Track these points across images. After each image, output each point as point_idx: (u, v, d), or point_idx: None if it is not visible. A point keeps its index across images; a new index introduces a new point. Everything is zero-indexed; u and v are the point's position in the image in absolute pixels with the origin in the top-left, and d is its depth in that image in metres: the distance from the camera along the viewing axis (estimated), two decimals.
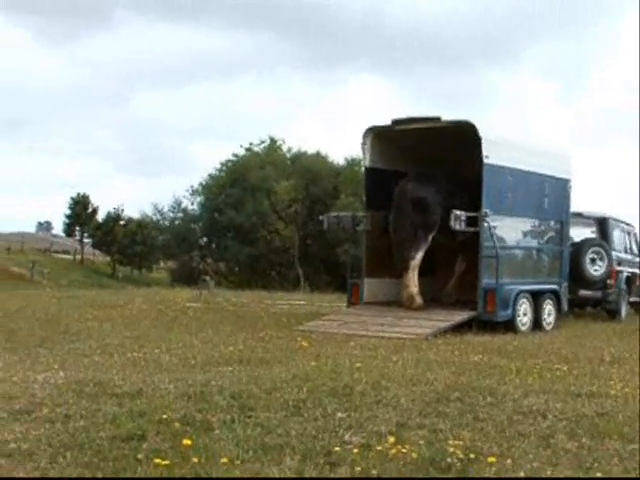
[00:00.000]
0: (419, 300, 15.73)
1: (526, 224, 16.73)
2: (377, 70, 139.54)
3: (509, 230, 16.01)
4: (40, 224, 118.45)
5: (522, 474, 5.31)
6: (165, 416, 6.57)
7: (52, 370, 9.00)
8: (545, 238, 17.30)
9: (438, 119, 15.72)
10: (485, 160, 14.99)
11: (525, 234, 16.75)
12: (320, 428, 6.41)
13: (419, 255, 15.73)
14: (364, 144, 16.72)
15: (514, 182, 15.86)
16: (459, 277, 17.10)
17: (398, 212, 15.96)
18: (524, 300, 15.68)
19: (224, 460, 5.38)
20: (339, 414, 6.88)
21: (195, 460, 5.37)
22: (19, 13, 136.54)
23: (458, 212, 14.87)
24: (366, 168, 17.22)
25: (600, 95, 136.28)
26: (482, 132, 14.96)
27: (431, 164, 16.52)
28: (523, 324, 15.59)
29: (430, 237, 15.82)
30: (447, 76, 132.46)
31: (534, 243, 17.05)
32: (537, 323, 15.99)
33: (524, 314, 15.66)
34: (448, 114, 15.82)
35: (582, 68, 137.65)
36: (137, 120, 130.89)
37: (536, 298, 16.06)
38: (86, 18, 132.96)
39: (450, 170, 16.30)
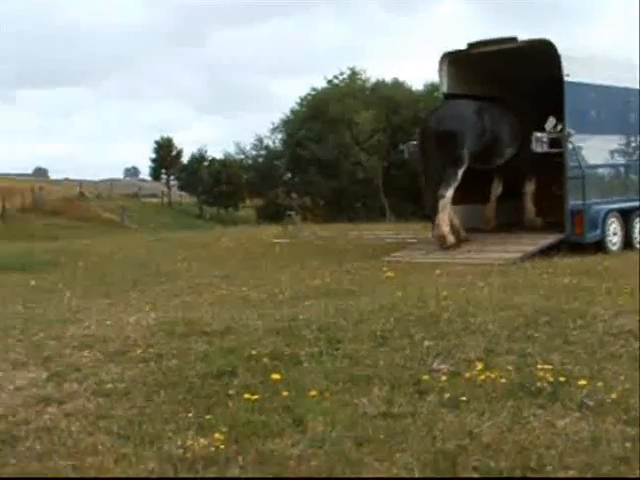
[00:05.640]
0: (451, 239, 15.14)
1: (612, 141, 16.28)
2: None
3: (594, 149, 15.62)
4: (127, 170, 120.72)
5: (614, 396, 5.24)
6: (254, 352, 6.67)
7: (144, 312, 9.21)
8: (632, 154, 16.83)
9: (514, 39, 15.31)
10: (566, 78, 14.59)
11: (611, 151, 16.31)
12: (408, 357, 6.42)
13: (449, 193, 14.97)
14: (441, 70, 16.42)
15: (597, 98, 15.43)
16: (495, 201, 16.62)
17: (423, 149, 15.46)
18: (613, 219, 15.37)
19: (313, 393, 5.46)
20: (426, 342, 6.87)
21: (285, 394, 5.46)
22: None
23: (539, 134, 14.57)
24: (444, 94, 16.90)
25: None
26: (561, 49, 14.53)
27: (509, 87, 16.16)
28: (613, 244, 15.30)
29: (460, 173, 15.01)
30: None
31: (621, 160, 16.61)
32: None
33: (614, 234, 15.36)
34: (530, 33, 15.43)
35: None
36: (214, 59, 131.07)
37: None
38: None
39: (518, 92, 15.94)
